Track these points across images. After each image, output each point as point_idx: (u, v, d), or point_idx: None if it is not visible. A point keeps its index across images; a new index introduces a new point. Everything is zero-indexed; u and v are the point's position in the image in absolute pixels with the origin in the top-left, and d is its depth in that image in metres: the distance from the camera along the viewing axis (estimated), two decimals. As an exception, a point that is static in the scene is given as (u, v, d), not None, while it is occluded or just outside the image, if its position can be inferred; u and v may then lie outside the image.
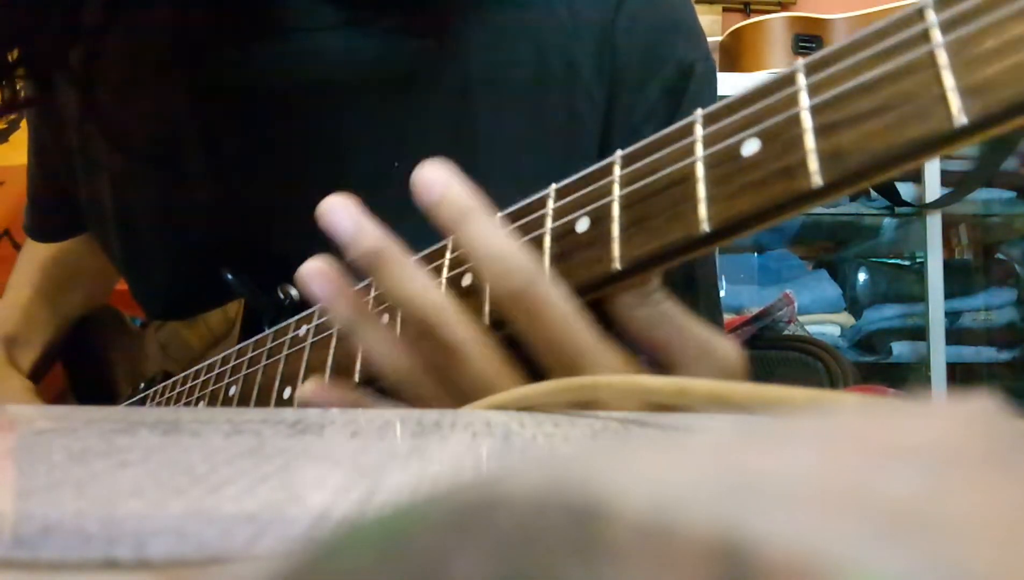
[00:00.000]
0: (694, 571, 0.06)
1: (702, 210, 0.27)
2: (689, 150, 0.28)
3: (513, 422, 0.25)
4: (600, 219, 0.30)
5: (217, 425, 0.23)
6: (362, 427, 0.23)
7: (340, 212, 0.29)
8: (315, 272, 0.30)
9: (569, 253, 0.31)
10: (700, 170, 0.27)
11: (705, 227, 0.27)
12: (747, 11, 1.89)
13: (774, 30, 1.60)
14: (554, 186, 0.33)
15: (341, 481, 0.16)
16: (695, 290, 0.49)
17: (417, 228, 0.50)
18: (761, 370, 1.18)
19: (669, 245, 0.28)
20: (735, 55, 1.65)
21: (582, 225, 0.31)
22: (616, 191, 0.30)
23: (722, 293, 1.65)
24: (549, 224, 0.32)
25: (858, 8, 1.63)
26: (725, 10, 1.91)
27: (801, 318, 1.22)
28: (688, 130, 0.29)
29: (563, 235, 0.31)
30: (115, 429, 0.22)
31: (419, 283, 0.29)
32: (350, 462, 0.18)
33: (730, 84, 1.50)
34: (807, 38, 1.58)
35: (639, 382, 0.23)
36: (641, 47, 0.49)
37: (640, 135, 0.51)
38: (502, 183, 0.50)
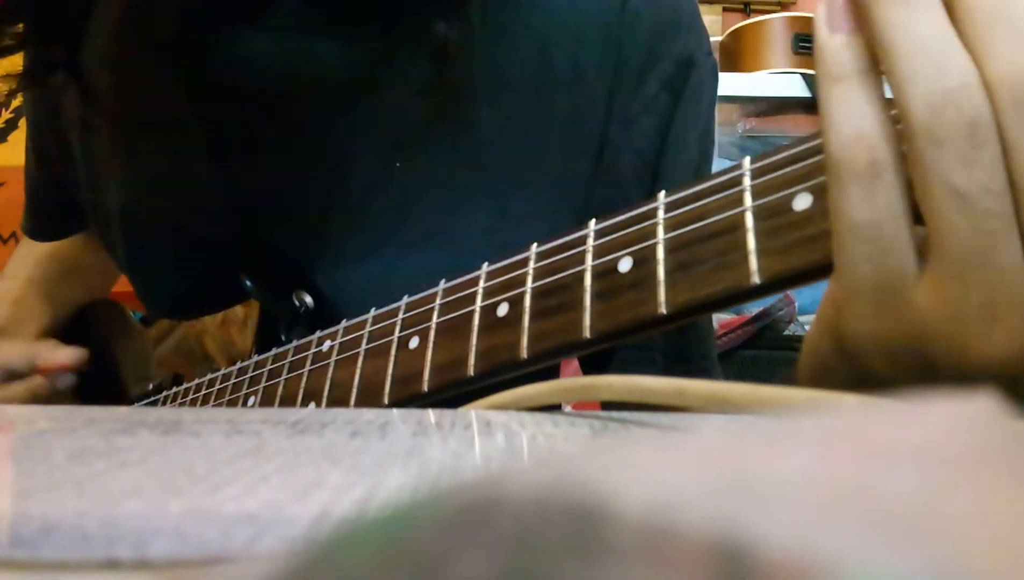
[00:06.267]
0: (694, 571, 0.06)
1: (753, 262, 0.26)
2: (739, 200, 0.27)
3: (513, 422, 0.25)
4: (645, 261, 0.29)
5: (217, 425, 0.23)
6: (362, 427, 0.23)
7: None
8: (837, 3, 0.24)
9: (612, 292, 0.30)
10: (750, 221, 0.27)
11: (756, 279, 0.26)
12: (747, 11, 1.89)
13: (774, 30, 1.60)
14: (593, 224, 0.32)
15: (341, 481, 0.16)
16: None
17: (418, 228, 0.51)
18: (761, 370, 1.18)
19: (716, 294, 0.27)
20: (735, 55, 1.65)
21: (624, 265, 0.30)
22: (660, 234, 0.29)
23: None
24: (590, 261, 0.31)
25: (858, 8, 1.62)
26: (725, 10, 1.90)
27: (801, 318, 1.22)
28: (737, 180, 0.28)
29: (605, 273, 0.31)
30: (115, 429, 0.22)
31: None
32: (350, 462, 0.18)
33: (730, 84, 1.49)
34: (807, 38, 1.57)
35: (639, 382, 0.23)
36: (643, 42, 0.49)
37: (637, 126, 0.51)
38: (504, 182, 0.51)
